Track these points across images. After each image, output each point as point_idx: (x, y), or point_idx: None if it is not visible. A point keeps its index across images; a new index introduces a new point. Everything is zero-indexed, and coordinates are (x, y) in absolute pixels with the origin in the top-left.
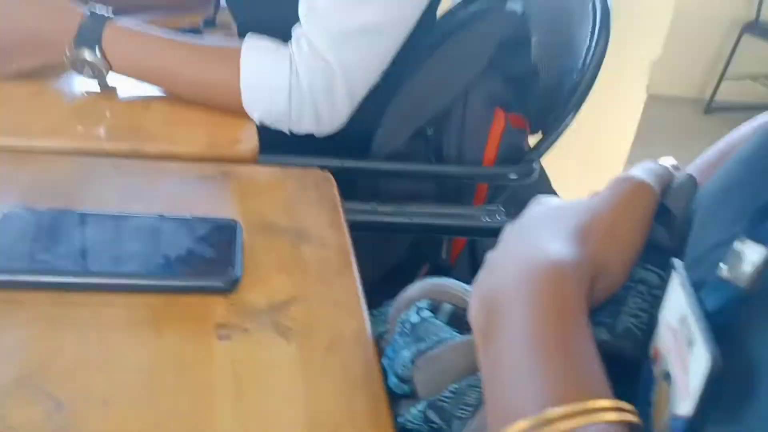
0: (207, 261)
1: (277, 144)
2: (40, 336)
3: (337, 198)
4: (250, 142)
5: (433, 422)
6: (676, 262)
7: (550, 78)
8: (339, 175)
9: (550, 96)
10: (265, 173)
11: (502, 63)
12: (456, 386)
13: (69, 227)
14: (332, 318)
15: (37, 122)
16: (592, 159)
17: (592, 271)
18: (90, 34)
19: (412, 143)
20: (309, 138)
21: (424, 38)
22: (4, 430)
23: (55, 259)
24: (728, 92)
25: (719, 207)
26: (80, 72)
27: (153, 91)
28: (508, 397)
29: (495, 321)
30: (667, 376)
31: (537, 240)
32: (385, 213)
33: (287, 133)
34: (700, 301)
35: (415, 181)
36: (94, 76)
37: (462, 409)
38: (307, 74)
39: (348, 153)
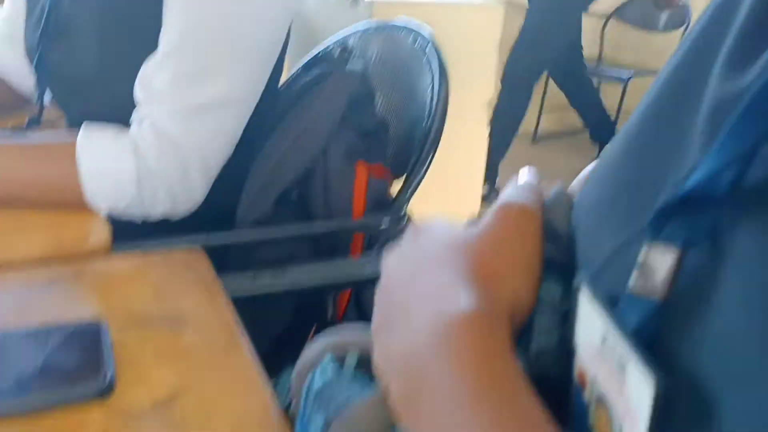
0: (70, 371)
1: (132, 231)
2: None
3: (212, 275)
4: (100, 233)
5: None
6: (581, 279)
7: (401, 127)
8: (208, 250)
9: (404, 143)
10: (124, 264)
11: (352, 120)
12: None
13: None
14: (232, 401)
15: None
16: (451, 195)
17: (507, 311)
18: None
19: (278, 208)
20: (166, 220)
21: (272, 104)
22: None
23: None
24: (549, 123)
25: (604, 213)
26: None
27: None
28: None
29: (418, 388)
30: (601, 401)
31: (438, 287)
32: (264, 281)
33: (138, 221)
34: (620, 320)
35: (289, 244)
36: None
37: None
38: (156, 157)
39: (212, 227)
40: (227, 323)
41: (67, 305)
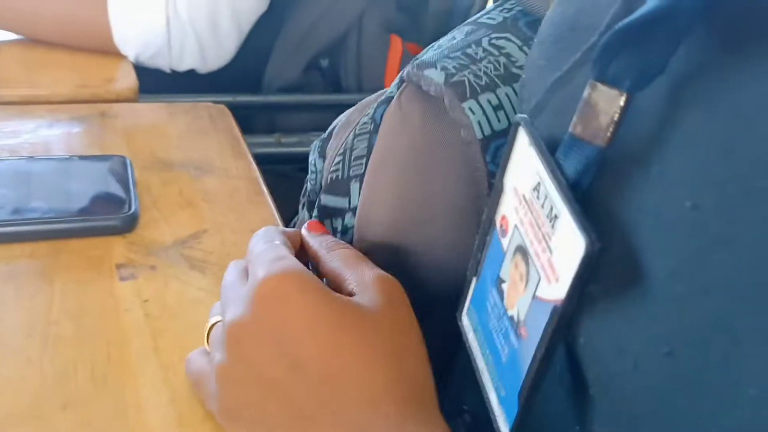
0: (96, 201)
1: (158, 85)
2: None
3: (236, 129)
4: (127, 79)
5: (331, 208)
6: (521, 118)
7: (441, 3)
8: (233, 111)
9: (443, 22)
10: (149, 110)
11: None
12: (341, 150)
13: None
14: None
15: None
16: None
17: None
18: None
19: (306, 75)
20: (193, 76)
21: None
22: None
23: None
24: None
25: (548, 48)
26: None
27: (3, 35)
28: None
29: None
30: (521, 250)
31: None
32: (290, 144)
33: (168, 71)
34: (558, 166)
35: (316, 113)
36: None
37: (354, 166)
38: (187, 6)
39: (238, 89)
40: (250, 175)
41: (90, 144)
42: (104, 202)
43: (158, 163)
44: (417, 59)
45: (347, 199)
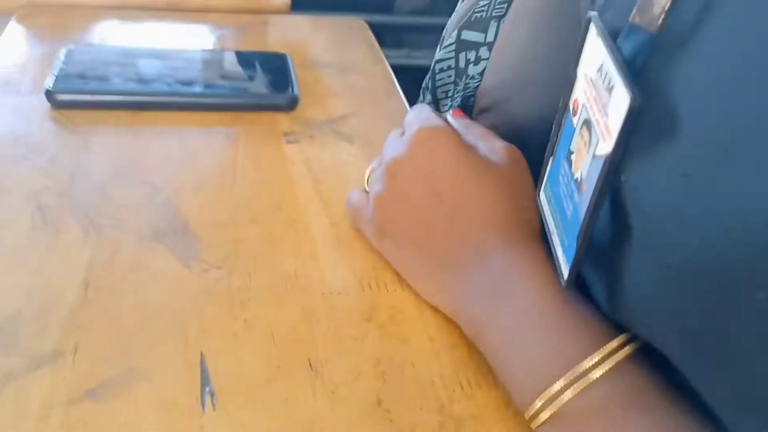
0: (266, 83)
1: (302, 3)
2: (127, 143)
3: (374, 39)
4: None
5: (468, 42)
6: (592, 15)
7: None
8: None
9: None
10: (300, 21)
11: None
12: None
13: (132, 58)
14: (388, 128)
15: None
16: None
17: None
18: None
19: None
20: None
21: None
22: (115, 207)
23: (127, 82)
24: None
25: None
26: None
27: None
28: (533, 365)
29: (495, 304)
30: (587, 123)
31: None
32: (417, 57)
33: None
34: (618, 48)
35: (438, 33)
36: None
37: (498, 8)
38: None
39: (372, 10)
40: (386, 75)
41: (256, 44)
42: (272, 86)
43: (310, 62)
44: None
45: (484, 35)
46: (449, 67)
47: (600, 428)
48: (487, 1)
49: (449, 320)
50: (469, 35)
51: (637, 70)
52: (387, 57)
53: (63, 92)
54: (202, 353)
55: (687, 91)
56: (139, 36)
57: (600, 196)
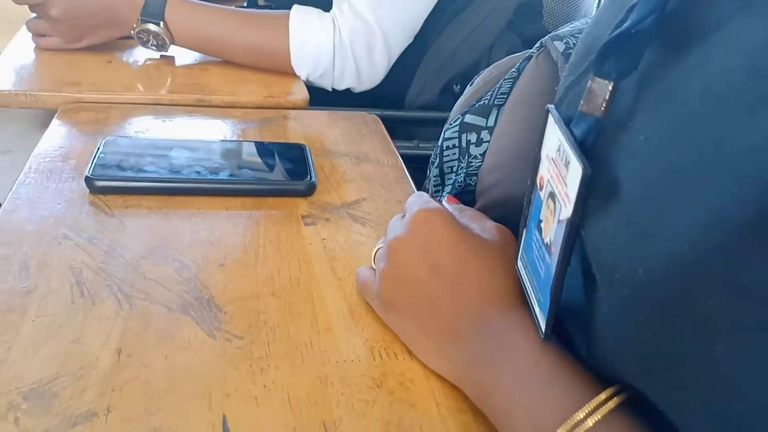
0: (286, 171)
1: (318, 101)
2: (158, 224)
3: (385, 132)
4: (301, 92)
5: (471, 125)
6: (549, 107)
7: None
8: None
9: None
10: (318, 116)
11: (518, 27)
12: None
13: (164, 149)
14: (397, 211)
15: (114, 82)
16: None
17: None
18: (155, 8)
19: (441, 97)
20: (347, 95)
21: (450, 3)
22: (147, 282)
23: (158, 171)
24: None
25: (571, 61)
26: (145, 44)
27: (207, 58)
28: (535, 420)
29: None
30: (551, 195)
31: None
32: (426, 148)
33: (329, 89)
34: (570, 131)
35: None
36: (157, 47)
37: (499, 97)
38: (349, 34)
39: (384, 106)
40: (397, 165)
41: (277, 136)
42: (292, 173)
43: (327, 152)
44: (556, 32)
45: (485, 120)
46: (454, 146)
47: None
48: (491, 92)
49: (455, 387)
50: (472, 119)
51: (587, 148)
52: (398, 148)
53: (101, 179)
54: (224, 415)
55: (627, 160)
56: (171, 129)
57: (566, 251)
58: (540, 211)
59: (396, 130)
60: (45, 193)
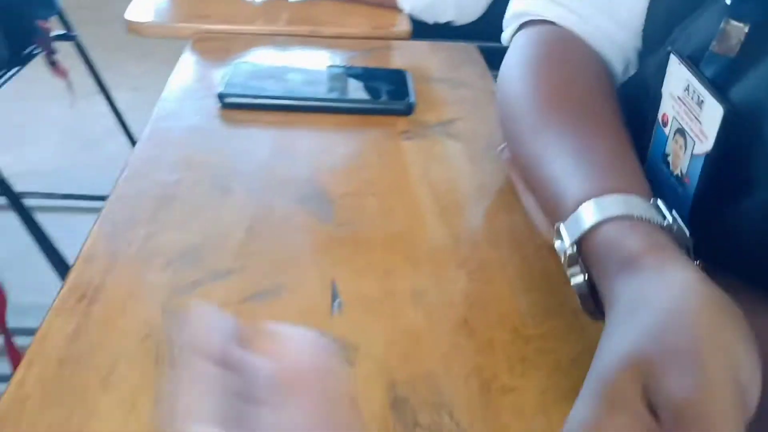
0: (388, 93)
1: (420, 34)
2: (279, 135)
3: (483, 61)
4: (405, 24)
5: None
6: (671, 48)
7: None
8: None
9: None
10: (420, 46)
11: None
12: None
13: (284, 73)
14: (489, 129)
15: (239, 16)
16: None
17: None
18: None
19: None
20: (449, 28)
21: None
22: (270, 179)
23: (279, 90)
24: None
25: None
26: None
27: None
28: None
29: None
30: (679, 131)
31: None
32: None
33: (431, 23)
34: (701, 71)
35: None
36: None
37: None
38: None
39: (484, 39)
40: (490, 88)
41: (382, 63)
42: (393, 95)
43: (426, 78)
44: None
45: None
46: None
47: None
48: None
49: (525, 270)
50: None
51: (719, 86)
52: (494, 76)
53: (231, 96)
54: (333, 280)
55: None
56: (287, 56)
57: (705, 182)
58: (664, 146)
59: (493, 60)
60: (184, 108)
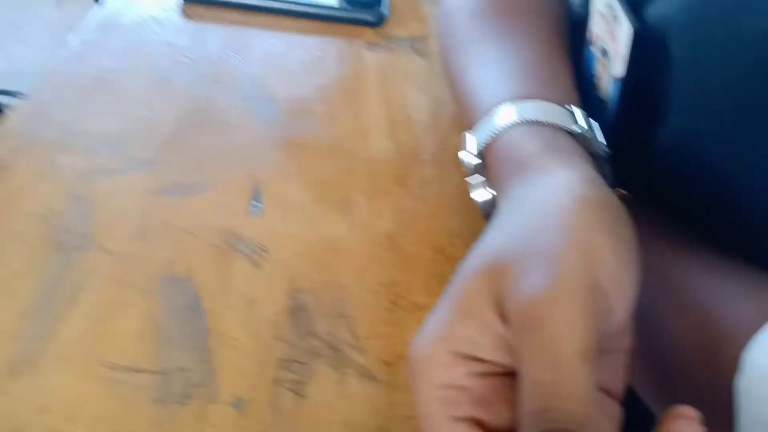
0: (360, 1)
1: None
2: (235, 32)
3: None
4: None
5: None
6: None
7: None
8: None
9: None
10: None
11: None
12: None
13: None
14: None
15: None
16: None
17: None
18: None
19: None
20: None
21: None
22: (217, 72)
23: None
24: None
25: None
26: None
27: None
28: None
29: None
30: (604, 52)
31: None
32: None
33: None
34: None
35: None
36: None
37: None
38: None
39: None
40: None
41: None
42: (364, 3)
43: None
44: None
45: None
46: None
47: None
48: None
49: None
50: None
51: (634, 5)
52: None
53: None
54: (257, 180)
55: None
56: None
57: (619, 108)
58: (593, 65)
59: None
60: (144, 6)
